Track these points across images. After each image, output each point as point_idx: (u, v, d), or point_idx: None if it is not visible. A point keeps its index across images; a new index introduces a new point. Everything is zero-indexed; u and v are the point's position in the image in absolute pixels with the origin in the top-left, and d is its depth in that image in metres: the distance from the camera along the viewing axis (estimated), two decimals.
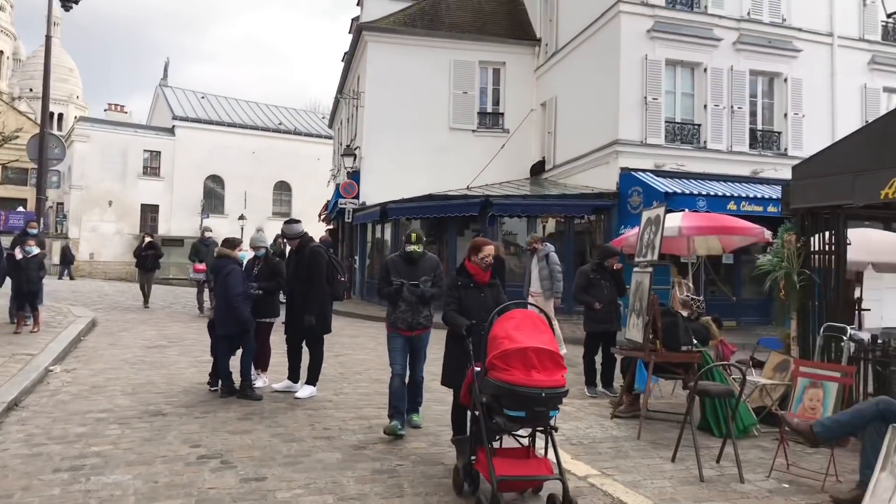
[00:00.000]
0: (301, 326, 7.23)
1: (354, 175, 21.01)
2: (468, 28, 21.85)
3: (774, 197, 14.94)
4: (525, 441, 4.51)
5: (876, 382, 6.89)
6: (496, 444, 4.42)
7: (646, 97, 16.58)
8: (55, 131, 42.32)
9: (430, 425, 6.25)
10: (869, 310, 10.00)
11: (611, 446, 5.90)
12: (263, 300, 7.56)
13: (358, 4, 25.00)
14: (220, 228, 28.66)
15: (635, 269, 7.34)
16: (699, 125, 17.21)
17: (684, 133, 17.18)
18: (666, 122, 16.94)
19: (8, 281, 10.40)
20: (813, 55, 17.97)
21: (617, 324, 8.32)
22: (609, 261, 8.43)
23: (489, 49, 21.69)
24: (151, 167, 44.40)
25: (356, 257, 22.22)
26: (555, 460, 4.25)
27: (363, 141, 21.15)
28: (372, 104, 20.93)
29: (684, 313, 7.13)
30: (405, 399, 5.97)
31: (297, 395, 7.30)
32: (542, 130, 21.23)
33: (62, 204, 44.02)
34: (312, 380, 7.47)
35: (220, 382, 7.31)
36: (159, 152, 44.36)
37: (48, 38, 14.82)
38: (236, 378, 7.28)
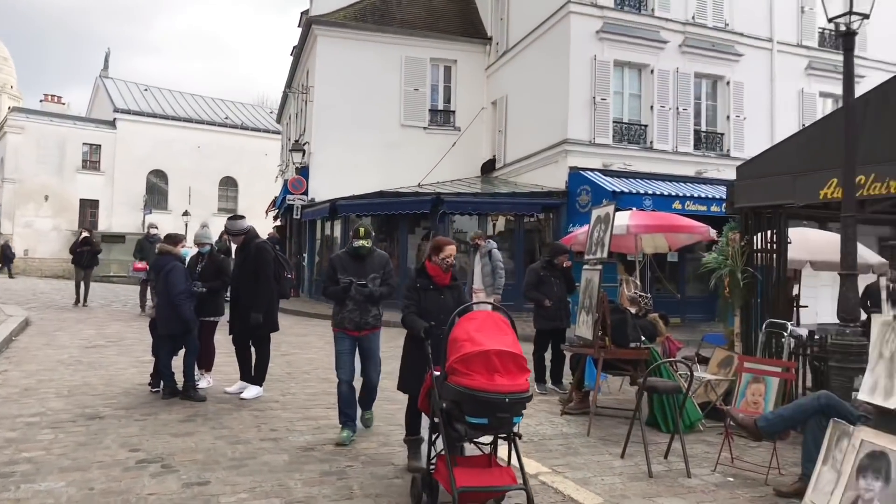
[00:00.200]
0: (247, 325, 7.04)
1: (303, 171, 20.70)
2: (419, 25, 21.76)
3: (717, 197, 15.35)
4: (487, 448, 4.30)
5: (813, 377, 7.13)
6: (457, 452, 4.23)
7: (594, 97, 16.80)
8: None
9: (380, 424, 6.16)
10: (806, 306, 10.36)
11: (561, 443, 5.92)
12: (207, 298, 7.33)
13: None
14: (164, 224, 27.67)
15: (585, 266, 7.39)
16: (646, 126, 17.53)
17: (631, 133, 17.48)
18: (614, 122, 17.20)
19: None
20: (754, 59, 18.53)
21: (566, 321, 8.37)
22: (559, 258, 8.48)
23: (440, 46, 21.67)
24: (91, 161, 42.78)
25: (304, 255, 21.91)
26: (519, 469, 4.02)
27: (312, 136, 20.84)
28: (321, 99, 20.65)
29: (632, 310, 7.23)
30: (356, 405, 5.75)
31: (243, 395, 7.11)
32: (493, 129, 21.31)
33: None
34: (259, 380, 7.29)
35: (161, 383, 7.07)
36: (99, 146, 42.77)
37: None
38: (179, 379, 7.04)
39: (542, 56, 18.37)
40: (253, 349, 7.31)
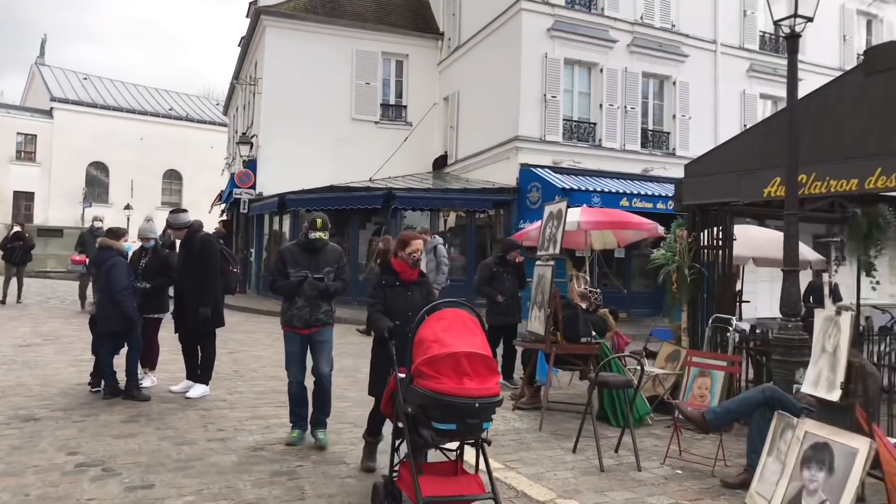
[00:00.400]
0: (194, 321, 6.84)
1: (251, 164, 20.27)
2: (370, 18, 21.55)
3: (663, 194, 15.67)
4: (453, 454, 4.08)
5: (755, 371, 7.35)
6: (421, 459, 4.01)
7: (545, 95, 16.94)
8: None
9: (330, 422, 6.02)
10: (749, 301, 10.68)
11: (513, 438, 5.93)
12: (152, 294, 7.10)
13: None
14: (105, 218, 26.89)
15: (538, 262, 7.43)
16: (595, 124, 17.77)
17: (581, 131, 17.69)
18: (564, 119, 17.38)
19: None
20: (699, 60, 18.98)
21: (518, 316, 8.41)
22: (511, 254, 8.51)
23: (392, 40, 21.51)
24: (26, 151, 41.05)
25: (252, 250, 21.48)
26: (487, 476, 3.84)
27: (261, 129, 20.43)
28: (270, 91, 20.26)
29: (583, 306, 7.30)
30: (306, 403, 5.55)
31: (189, 394, 6.91)
32: (445, 124, 21.28)
33: None
34: (205, 378, 7.09)
35: (102, 383, 6.81)
36: (35, 136, 41.05)
37: None
38: (121, 378, 6.79)
39: (493, 53, 18.42)
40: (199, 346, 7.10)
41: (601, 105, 17.70)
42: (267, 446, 5.37)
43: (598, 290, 8.15)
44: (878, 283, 8.84)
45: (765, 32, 20.08)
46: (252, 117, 22.23)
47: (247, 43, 23.67)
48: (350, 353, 9.65)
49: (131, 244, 7.96)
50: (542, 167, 16.69)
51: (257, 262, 21.13)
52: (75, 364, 8.20)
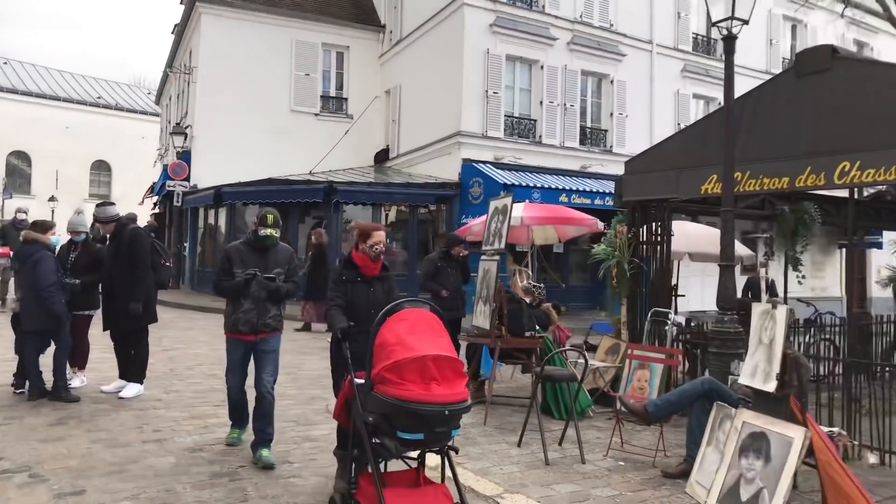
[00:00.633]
0: (125, 317, 6.57)
1: (185, 155, 19.64)
2: (310, 8, 21.16)
3: (602, 191, 15.98)
4: (413, 462, 3.86)
5: (690, 363, 7.57)
6: (382, 466, 3.72)
7: (487, 91, 17.01)
8: None
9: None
10: (684, 295, 11.00)
11: (458, 433, 5.92)
12: (81, 291, 6.77)
13: None
14: (29, 210, 25.62)
15: (483, 257, 7.45)
16: (535, 120, 17.96)
17: (521, 127, 17.85)
18: (505, 115, 17.50)
19: None
20: (636, 60, 19.41)
21: (462, 311, 8.42)
22: (455, 249, 8.50)
23: (332, 32, 21.21)
24: None
25: (186, 244, 20.83)
26: (454, 486, 3.65)
27: (195, 119, 19.82)
28: (206, 80, 19.67)
29: (527, 300, 7.36)
30: (246, 405, 5.23)
31: (122, 394, 6.64)
32: (387, 118, 21.12)
33: None
34: (138, 377, 6.84)
35: (27, 383, 6.47)
36: None
37: None
38: (48, 378, 6.46)
39: (435, 47, 18.37)
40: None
41: (541, 102, 17.89)
42: (206, 447, 5.20)
43: (542, 285, 8.24)
44: (803, 277, 9.26)
45: (697, 34, 20.71)
46: (186, 107, 21.54)
47: (181, 30, 22.92)
48: (290, 350, 9.46)
49: (59, 238, 7.57)
50: (484, 163, 16.78)
51: (191, 257, 20.51)
52: None
